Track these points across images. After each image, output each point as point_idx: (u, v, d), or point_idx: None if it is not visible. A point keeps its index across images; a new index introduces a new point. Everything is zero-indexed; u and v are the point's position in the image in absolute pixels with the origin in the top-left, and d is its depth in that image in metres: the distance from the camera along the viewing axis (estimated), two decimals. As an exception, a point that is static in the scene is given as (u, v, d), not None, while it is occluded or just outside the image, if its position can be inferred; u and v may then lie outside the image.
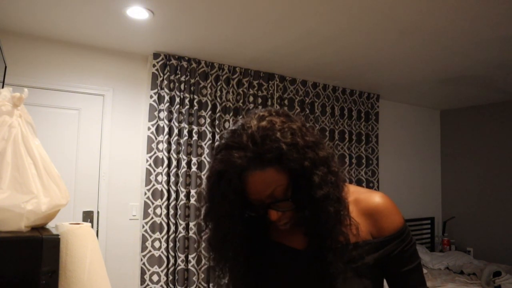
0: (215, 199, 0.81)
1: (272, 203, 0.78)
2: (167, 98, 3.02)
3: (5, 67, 2.36)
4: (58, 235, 0.70)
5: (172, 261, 2.97)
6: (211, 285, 3.10)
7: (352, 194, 0.87)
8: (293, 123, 0.78)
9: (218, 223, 0.83)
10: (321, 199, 0.75)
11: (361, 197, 0.87)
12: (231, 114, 3.32)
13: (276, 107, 3.58)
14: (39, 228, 0.75)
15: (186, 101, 3.09)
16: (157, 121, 2.99)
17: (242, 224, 0.83)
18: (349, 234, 0.80)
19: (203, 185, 0.91)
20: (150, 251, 2.89)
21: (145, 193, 2.93)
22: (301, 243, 0.84)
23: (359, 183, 4.11)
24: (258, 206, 0.80)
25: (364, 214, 0.85)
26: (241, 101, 3.40)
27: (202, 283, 3.07)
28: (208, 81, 3.24)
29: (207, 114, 3.20)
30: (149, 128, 2.98)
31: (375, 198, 0.86)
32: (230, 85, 3.35)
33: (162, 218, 2.93)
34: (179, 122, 3.09)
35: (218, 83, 3.29)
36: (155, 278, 2.88)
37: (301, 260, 0.84)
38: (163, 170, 2.97)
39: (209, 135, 3.19)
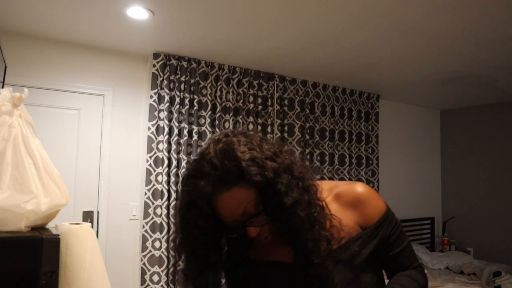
0: (187, 229, 0.81)
1: (247, 220, 0.78)
2: (167, 98, 3.02)
3: (5, 67, 2.36)
4: (58, 235, 0.70)
5: (172, 261, 2.97)
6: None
7: (331, 190, 0.88)
8: (250, 139, 0.80)
9: (193, 253, 0.83)
10: (290, 206, 0.76)
11: (341, 191, 0.87)
12: (231, 114, 3.32)
13: (276, 107, 3.58)
14: (39, 228, 0.75)
15: (186, 101, 3.09)
16: (157, 121, 2.99)
17: (218, 252, 0.84)
18: (336, 233, 0.80)
19: (174, 217, 0.91)
20: (150, 251, 2.89)
21: (145, 193, 2.93)
22: (287, 255, 0.83)
23: (359, 183, 4.10)
24: (235, 227, 0.80)
25: (348, 206, 0.85)
26: (241, 101, 3.40)
27: (202, 283, 3.07)
28: (208, 81, 3.24)
29: (207, 114, 3.20)
30: (149, 128, 2.98)
31: (356, 188, 0.87)
32: (230, 85, 3.35)
33: (162, 218, 2.93)
34: (179, 122, 3.09)
35: (218, 83, 3.29)
36: (155, 278, 2.88)
37: (291, 272, 0.83)
38: (163, 170, 2.97)
39: (209, 135, 3.19)
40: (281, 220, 0.78)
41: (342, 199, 0.86)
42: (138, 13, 2.33)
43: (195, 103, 3.16)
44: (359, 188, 0.87)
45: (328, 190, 0.88)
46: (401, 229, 0.89)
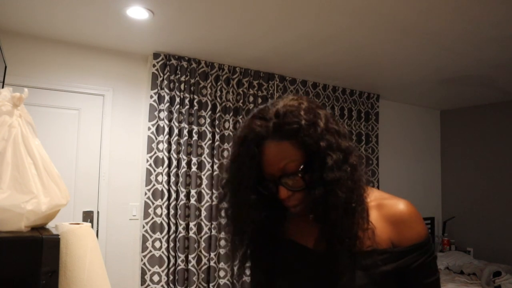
0: (234, 165, 0.82)
1: (282, 177, 0.78)
2: (167, 98, 3.02)
3: (5, 67, 2.36)
4: (58, 235, 0.70)
5: (172, 261, 2.97)
6: (211, 285, 3.10)
7: (376, 200, 0.85)
8: (320, 109, 0.81)
9: (235, 190, 0.83)
10: (331, 182, 0.75)
11: (385, 203, 0.84)
12: (231, 114, 3.32)
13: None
14: (39, 228, 0.74)
15: (186, 101, 3.09)
16: (157, 121, 2.99)
17: (259, 199, 0.82)
18: (365, 238, 0.78)
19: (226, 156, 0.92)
20: (150, 251, 2.89)
21: (146, 193, 2.93)
22: (315, 243, 0.83)
23: (359, 183, 4.10)
24: (270, 182, 0.80)
25: (387, 220, 0.82)
26: (241, 101, 3.39)
27: (202, 283, 3.07)
28: (208, 81, 3.24)
29: (207, 114, 3.20)
30: (149, 128, 2.98)
31: (400, 205, 0.83)
32: (230, 85, 3.35)
33: (162, 218, 2.93)
34: (179, 122, 3.09)
35: (218, 83, 3.29)
36: (155, 278, 2.88)
37: (312, 260, 0.83)
38: (163, 170, 2.97)
39: (209, 135, 3.19)
40: (317, 193, 0.76)
41: (384, 210, 0.83)
42: (138, 13, 2.33)
43: (195, 103, 3.16)
44: (403, 206, 0.83)
45: (374, 197, 0.85)
46: (435, 262, 0.83)
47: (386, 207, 0.83)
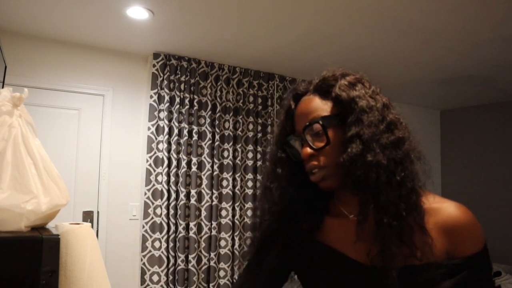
0: (278, 125, 0.83)
1: (305, 129, 0.73)
2: (167, 98, 3.02)
3: (5, 67, 2.36)
4: (58, 235, 0.70)
5: (172, 261, 2.96)
6: (211, 285, 3.10)
7: (429, 203, 0.72)
8: (369, 83, 0.78)
9: (270, 150, 0.83)
10: (369, 139, 0.68)
11: (435, 207, 0.71)
12: (231, 114, 3.32)
13: (276, 107, 3.58)
14: (39, 228, 0.74)
15: (186, 101, 3.09)
16: (157, 121, 2.99)
17: (294, 166, 0.79)
18: (420, 249, 0.66)
19: None
20: (150, 251, 2.89)
21: (145, 193, 2.93)
22: (360, 254, 0.72)
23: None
24: (296, 141, 0.77)
25: (443, 226, 0.69)
26: (241, 101, 3.39)
27: (202, 283, 3.07)
28: (208, 81, 3.24)
29: (207, 114, 3.20)
30: (149, 128, 2.97)
31: (456, 210, 0.70)
32: (230, 85, 3.35)
33: (162, 218, 2.93)
34: (179, 122, 3.08)
35: (218, 83, 3.29)
36: (155, 278, 2.88)
37: (357, 272, 0.72)
38: (163, 170, 2.97)
39: (209, 135, 3.19)
40: (354, 149, 0.68)
41: (436, 217, 0.70)
42: (138, 13, 2.33)
43: (195, 103, 3.16)
44: (460, 210, 0.70)
45: (427, 200, 0.72)
46: (492, 279, 0.72)
47: (438, 213, 0.70)
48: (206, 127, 3.19)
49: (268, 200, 0.80)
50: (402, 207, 0.66)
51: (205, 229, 3.10)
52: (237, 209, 3.28)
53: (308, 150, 0.73)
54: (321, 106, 0.74)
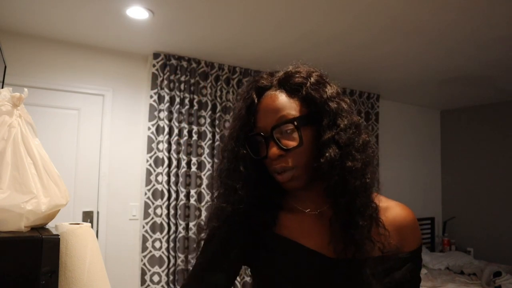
0: (233, 120, 0.79)
1: (275, 128, 0.71)
2: (167, 98, 3.02)
3: (5, 67, 2.35)
4: (58, 235, 0.69)
5: (172, 261, 2.96)
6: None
7: (380, 202, 0.76)
8: (334, 83, 0.78)
9: (228, 144, 0.78)
10: (346, 144, 0.68)
11: (384, 206, 0.76)
12: (231, 114, 3.32)
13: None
14: (39, 228, 0.74)
15: (186, 101, 3.09)
16: (157, 121, 2.99)
17: (251, 159, 0.75)
18: (380, 244, 0.70)
19: None
20: (150, 251, 2.89)
21: (145, 193, 2.93)
22: (325, 247, 0.73)
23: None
24: (261, 138, 0.73)
25: (391, 225, 0.74)
26: (241, 101, 3.39)
27: (202, 283, 3.07)
28: (208, 81, 3.24)
29: (207, 114, 3.20)
30: (149, 128, 2.97)
31: (404, 210, 0.78)
32: (230, 85, 3.35)
33: (162, 218, 2.93)
34: (179, 122, 3.08)
35: (218, 83, 3.29)
36: (155, 278, 2.88)
37: (325, 267, 0.73)
38: (163, 170, 2.96)
39: (209, 135, 3.19)
40: (332, 154, 0.67)
41: (389, 215, 0.75)
42: (138, 13, 2.33)
43: (195, 103, 3.16)
44: (408, 211, 0.78)
45: (378, 200, 0.76)
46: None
47: (388, 211, 0.76)
48: (206, 127, 3.19)
49: (229, 199, 0.76)
50: (374, 207, 0.71)
51: (205, 229, 3.09)
52: (237, 209, 3.27)
53: (277, 150, 0.71)
54: (289, 104, 0.72)
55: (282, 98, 0.73)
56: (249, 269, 0.84)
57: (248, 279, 3.18)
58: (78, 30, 2.62)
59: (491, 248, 4.43)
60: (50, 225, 0.79)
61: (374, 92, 4.28)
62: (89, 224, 0.78)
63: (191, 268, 3.02)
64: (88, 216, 2.84)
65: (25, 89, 0.80)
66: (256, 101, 0.75)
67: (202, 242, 0.81)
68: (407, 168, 4.76)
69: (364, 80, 3.84)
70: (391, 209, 0.77)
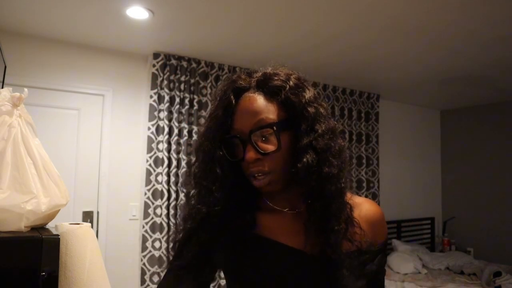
0: (209, 119, 0.77)
1: (253, 131, 0.70)
2: (167, 98, 3.02)
3: (5, 67, 2.35)
4: (58, 235, 0.69)
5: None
6: (211, 285, 3.10)
7: (350, 199, 0.79)
8: (312, 87, 0.77)
9: (203, 144, 0.76)
10: (323, 150, 0.69)
11: (355, 202, 0.78)
12: (206, 112, 3.32)
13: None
14: (39, 228, 0.74)
15: (186, 101, 3.09)
16: (157, 121, 2.99)
17: (226, 162, 0.74)
18: (355, 240, 0.73)
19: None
20: (150, 251, 2.89)
21: (145, 193, 2.93)
22: (301, 244, 0.74)
23: (359, 183, 4.10)
24: (238, 140, 0.72)
25: (363, 220, 0.77)
26: (241, 101, 3.39)
27: (202, 283, 3.07)
28: (208, 81, 3.24)
29: (207, 114, 3.20)
30: (149, 128, 2.97)
31: (374, 206, 0.81)
32: (230, 85, 3.35)
33: (162, 218, 2.93)
34: (179, 122, 3.08)
35: (218, 83, 3.29)
36: (155, 278, 2.88)
37: (305, 262, 0.74)
38: (163, 170, 2.96)
39: (209, 135, 3.18)
40: (309, 160, 0.68)
41: (361, 211, 0.78)
42: (138, 13, 2.33)
43: (195, 103, 3.16)
44: (376, 206, 0.82)
45: (349, 197, 0.78)
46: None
47: (359, 207, 0.79)
48: (206, 127, 3.18)
49: (204, 200, 0.74)
50: (348, 208, 0.73)
51: (205, 229, 3.09)
52: (237, 209, 3.28)
53: (254, 154, 0.70)
54: (267, 108, 0.71)
55: (260, 101, 0.72)
56: (221, 272, 0.82)
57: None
58: (78, 30, 2.62)
59: (491, 248, 4.43)
60: (50, 225, 0.79)
61: (374, 92, 4.28)
62: (89, 224, 0.78)
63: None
64: (88, 216, 2.84)
65: (25, 89, 0.80)
66: (233, 102, 0.74)
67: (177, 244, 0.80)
68: (407, 168, 4.76)
69: (364, 80, 3.84)
70: (362, 205, 0.80)
